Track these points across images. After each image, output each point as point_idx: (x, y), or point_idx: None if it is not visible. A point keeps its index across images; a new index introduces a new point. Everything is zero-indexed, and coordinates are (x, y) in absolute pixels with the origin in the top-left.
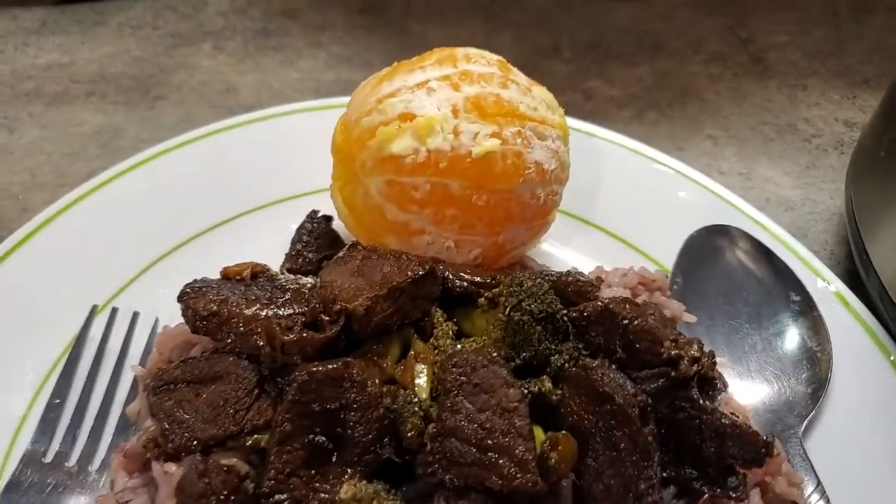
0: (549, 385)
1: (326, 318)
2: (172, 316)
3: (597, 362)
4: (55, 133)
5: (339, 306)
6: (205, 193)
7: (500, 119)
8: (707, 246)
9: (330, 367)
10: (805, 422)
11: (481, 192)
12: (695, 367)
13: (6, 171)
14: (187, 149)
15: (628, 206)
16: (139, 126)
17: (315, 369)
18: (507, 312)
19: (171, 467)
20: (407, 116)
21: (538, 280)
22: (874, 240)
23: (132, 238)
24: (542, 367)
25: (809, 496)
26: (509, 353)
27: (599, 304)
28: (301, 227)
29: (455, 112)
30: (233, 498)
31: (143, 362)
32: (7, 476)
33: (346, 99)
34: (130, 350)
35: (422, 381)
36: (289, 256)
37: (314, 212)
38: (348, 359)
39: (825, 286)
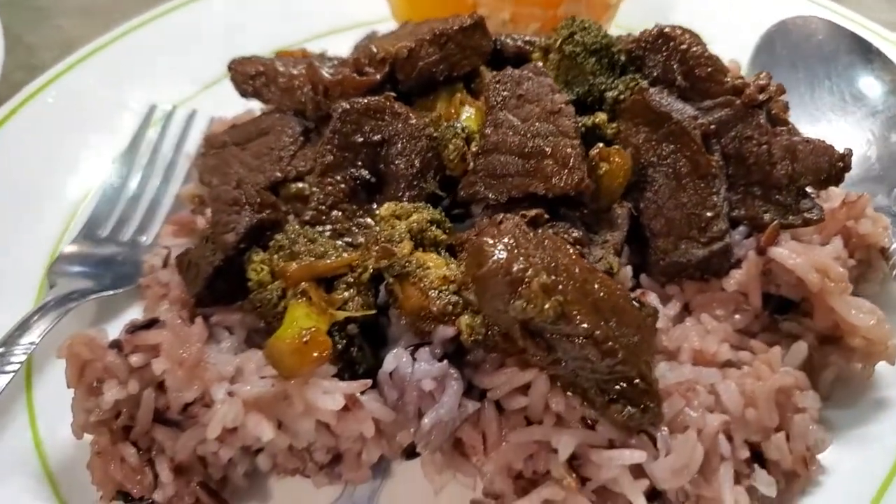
0: (603, 117)
1: (371, 70)
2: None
3: (655, 88)
4: None
5: (382, 53)
6: (268, 20)
7: None
8: (787, 39)
9: (371, 99)
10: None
11: None
12: (762, 95)
13: (82, 24)
14: None
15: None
16: None
17: (356, 100)
18: (558, 44)
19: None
20: None
21: (592, 20)
22: None
23: (199, 54)
24: (598, 104)
25: None
26: (562, 90)
27: (655, 29)
28: (356, 44)
29: None
30: (267, 212)
31: None
32: (65, 245)
33: None
34: (187, 145)
35: (467, 115)
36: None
37: (373, 31)
38: (390, 93)
39: None
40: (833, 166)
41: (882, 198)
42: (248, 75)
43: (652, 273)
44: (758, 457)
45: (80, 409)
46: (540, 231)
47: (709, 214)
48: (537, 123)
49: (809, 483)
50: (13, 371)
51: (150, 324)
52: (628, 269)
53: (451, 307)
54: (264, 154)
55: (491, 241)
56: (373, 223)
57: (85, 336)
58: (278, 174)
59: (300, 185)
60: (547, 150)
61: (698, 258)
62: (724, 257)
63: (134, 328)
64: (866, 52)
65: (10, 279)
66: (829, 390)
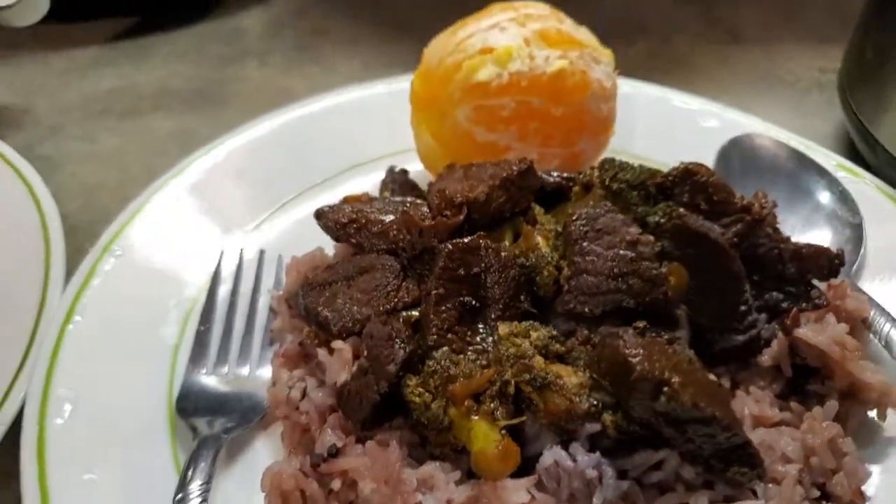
0: (652, 239)
1: (449, 213)
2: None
3: (688, 213)
4: (134, 138)
5: (460, 198)
6: (295, 162)
7: (563, 45)
8: (739, 153)
9: (467, 239)
10: (853, 269)
11: (558, 104)
12: (766, 210)
13: (97, 171)
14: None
15: (661, 139)
16: (210, 126)
17: (457, 241)
18: (606, 183)
19: (339, 344)
20: (487, 50)
21: (623, 160)
22: (877, 122)
23: (249, 195)
24: (642, 228)
25: (875, 317)
26: None
27: (681, 165)
28: (384, 180)
29: (527, 42)
30: (411, 343)
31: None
32: (176, 390)
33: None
34: (262, 282)
35: (543, 245)
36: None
37: (392, 167)
38: (481, 233)
39: (839, 168)
40: (832, 263)
41: (843, 277)
42: (340, 223)
43: (702, 360)
44: (823, 496)
45: None
46: (646, 338)
47: (743, 308)
48: (621, 252)
49: None
50: None
51: (336, 452)
52: None
53: (593, 408)
54: (372, 290)
55: (633, 353)
56: (479, 340)
57: (288, 469)
58: (388, 306)
59: (409, 313)
60: (634, 271)
61: (741, 343)
62: (758, 340)
63: (324, 457)
64: (802, 161)
65: (140, 420)
66: (854, 435)
